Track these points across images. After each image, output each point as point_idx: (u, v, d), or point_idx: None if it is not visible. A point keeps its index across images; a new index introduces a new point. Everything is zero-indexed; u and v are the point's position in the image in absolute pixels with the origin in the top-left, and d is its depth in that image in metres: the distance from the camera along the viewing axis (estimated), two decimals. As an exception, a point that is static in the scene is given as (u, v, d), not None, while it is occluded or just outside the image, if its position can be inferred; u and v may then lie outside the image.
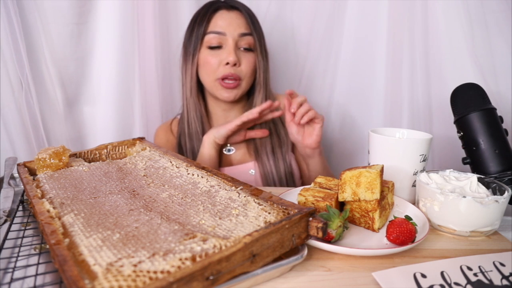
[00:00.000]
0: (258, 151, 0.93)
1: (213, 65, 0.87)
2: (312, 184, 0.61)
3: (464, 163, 0.67)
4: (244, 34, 0.87)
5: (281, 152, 0.93)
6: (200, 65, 0.89)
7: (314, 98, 1.13)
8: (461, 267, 0.44)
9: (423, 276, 0.42)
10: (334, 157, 1.18)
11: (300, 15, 1.10)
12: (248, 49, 0.89)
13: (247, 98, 0.99)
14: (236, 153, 0.96)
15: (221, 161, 0.95)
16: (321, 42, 1.09)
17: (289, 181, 0.93)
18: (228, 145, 0.95)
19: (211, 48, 0.87)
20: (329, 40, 1.09)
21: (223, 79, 0.87)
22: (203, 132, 0.93)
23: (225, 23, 0.86)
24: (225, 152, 0.95)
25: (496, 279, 0.42)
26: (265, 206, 0.46)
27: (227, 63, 0.86)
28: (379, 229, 0.54)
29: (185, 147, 0.94)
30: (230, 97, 0.90)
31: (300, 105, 0.79)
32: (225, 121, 0.94)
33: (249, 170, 0.92)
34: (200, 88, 0.96)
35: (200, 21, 0.88)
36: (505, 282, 0.41)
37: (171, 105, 1.13)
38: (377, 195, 0.52)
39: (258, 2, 1.06)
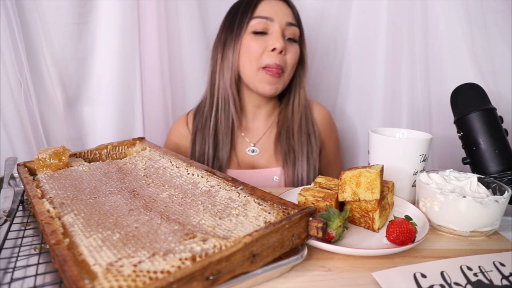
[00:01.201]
0: (287, 156, 0.88)
1: (257, 50, 0.82)
2: (312, 184, 0.61)
3: (464, 163, 0.67)
4: (291, 24, 0.84)
5: (312, 159, 0.88)
6: (243, 51, 0.84)
7: (321, 98, 1.13)
8: (461, 267, 0.44)
9: (423, 276, 0.42)
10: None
11: (309, 14, 1.10)
12: (292, 40, 0.85)
13: (278, 98, 0.94)
14: (260, 155, 0.91)
15: (241, 161, 0.91)
16: (328, 41, 1.09)
17: None
18: (252, 145, 0.91)
19: (256, 33, 0.83)
20: (335, 40, 1.09)
21: (267, 67, 0.82)
22: (234, 128, 0.89)
23: (273, 10, 0.83)
24: (248, 153, 0.91)
25: (496, 279, 0.42)
26: (265, 206, 0.46)
27: (273, 49, 0.81)
28: (379, 229, 0.54)
29: (203, 144, 0.89)
30: (272, 89, 0.84)
31: None
32: (256, 117, 0.92)
33: (273, 176, 0.88)
34: None
35: (245, 7, 0.84)
36: (505, 282, 0.41)
37: (172, 105, 1.13)
38: (377, 195, 0.52)
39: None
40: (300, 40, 0.87)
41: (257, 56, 0.82)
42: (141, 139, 0.79)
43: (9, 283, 0.39)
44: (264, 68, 0.83)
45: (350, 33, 1.08)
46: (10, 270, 0.41)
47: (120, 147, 0.75)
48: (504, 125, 0.65)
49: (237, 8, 0.87)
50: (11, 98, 0.90)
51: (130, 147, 0.76)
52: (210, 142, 0.89)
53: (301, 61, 0.89)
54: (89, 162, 0.70)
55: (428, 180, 0.58)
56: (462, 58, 0.94)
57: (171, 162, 0.64)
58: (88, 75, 1.01)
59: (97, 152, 0.73)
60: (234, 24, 0.85)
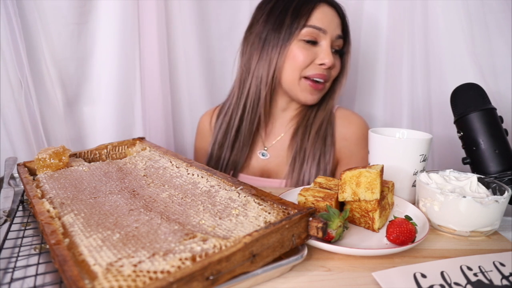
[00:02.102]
0: (295, 159, 0.84)
1: (305, 61, 0.79)
2: (312, 184, 0.61)
3: (464, 163, 0.67)
4: (340, 37, 0.82)
5: (323, 163, 0.84)
6: (288, 58, 0.80)
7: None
8: (461, 267, 0.44)
9: (423, 276, 0.42)
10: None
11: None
12: (337, 51, 0.84)
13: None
14: (270, 160, 0.89)
15: (252, 165, 0.89)
16: None
17: None
18: (265, 148, 0.89)
19: (306, 42, 0.79)
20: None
21: (312, 78, 0.80)
22: (255, 132, 0.87)
23: (327, 20, 0.79)
24: (259, 156, 0.89)
25: (496, 279, 0.42)
26: (265, 206, 0.46)
27: (322, 64, 0.79)
28: (379, 229, 0.54)
29: (223, 146, 0.88)
30: (314, 99, 0.83)
31: None
32: (277, 121, 0.89)
33: (281, 186, 0.86)
34: None
35: (298, 10, 0.79)
36: (505, 282, 0.41)
37: (172, 105, 1.13)
38: (377, 195, 0.52)
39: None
40: (343, 51, 0.85)
41: (303, 66, 0.80)
42: (141, 139, 0.79)
43: (9, 283, 0.39)
44: (307, 78, 0.80)
45: (350, 33, 1.08)
46: (10, 270, 0.41)
47: (120, 147, 0.75)
48: (504, 125, 0.65)
49: (286, 5, 0.80)
50: (11, 98, 0.90)
51: (130, 147, 0.76)
52: (229, 145, 0.87)
53: (341, 72, 0.86)
54: (89, 162, 0.70)
55: (428, 180, 0.58)
56: (462, 58, 0.94)
57: (171, 162, 0.64)
58: (88, 75, 1.01)
59: (97, 152, 0.73)
60: (282, 25, 0.79)
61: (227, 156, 0.88)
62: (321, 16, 0.79)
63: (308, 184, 0.85)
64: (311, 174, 0.84)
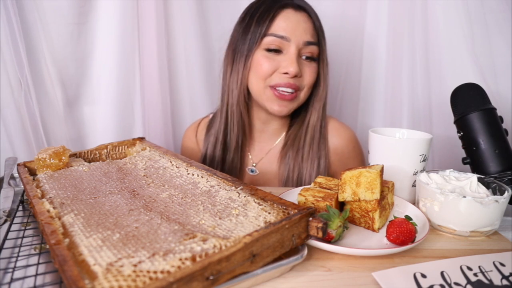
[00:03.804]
0: (288, 178, 0.81)
1: (268, 70, 0.75)
2: (312, 184, 0.61)
3: (464, 163, 0.67)
4: (309, 43, 0.76)
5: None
6: (252, 67, 0.77)
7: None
8: (461, 267, 0.44)
9: (423, 276, 0.42)
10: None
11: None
12: (310, 58, 0.78)
13: (290, 115, 0.86)
14: (259, 176, 0.87)
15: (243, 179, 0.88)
16: (329, 42, 1.09)
17: None
18: (254, 164, 0.86)
19: (269, 50, 0.76)
20: (337, 39, 1.09)
21: (276, 87, 0.76)
22: (242, 145, 0.85)
23: (291, 27, 0.74)
24: (248, 172, 0.87)
25: (496, 279, 0.42)
26: (265, 206, 0.46)
27: (285, 73, 0.75)
28: (379, 229, 0.54)
29: (212, 156, 0.85)
30: (283, 111, 0.78)
31: None
32: (261, 135, 0.86)
33: None
34: None
35: (261, 17, 0.75)
36: (505, 282, 0.41)
37: (171, 105, 1.13)
38: (377, 195, 0.52)
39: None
40: (320, 57, 0.80)
41: (266, 74, 0.76)
42: (141, 139, 0.79)
43: (9, 283, 0.39)
44: (272, 87, 0.76)
45: (351, 34, 1.08)
46: (10, 270, 0.41)
47: (120, 147, 0.75)
48: (504, 125, 0.65)
49: (252, 15, 0.77)
50: (11, 98, 0.90)
51: (130, 147, 0.76)
52: (219, 160, 0.85)
53: (324, 79, 0.81)
54: (89, 162, 0.70)
55: (428, 180, 0.58)
56: (462, 58, 0.94)
57: (171, 162, 0.64)
58: (88, 75, 1.01)
59: (97, 152, 0.73)
60: (247, 35, 0.77)
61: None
62: (284, 23, 0.75)
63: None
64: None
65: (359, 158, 0.88)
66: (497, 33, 0.91)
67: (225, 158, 0.85)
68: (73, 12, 0.94)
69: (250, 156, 0.88)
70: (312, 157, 0.82)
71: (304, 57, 0.77)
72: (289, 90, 0.76)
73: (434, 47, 0.97)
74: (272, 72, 0.76)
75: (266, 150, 0.88)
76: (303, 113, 0.84)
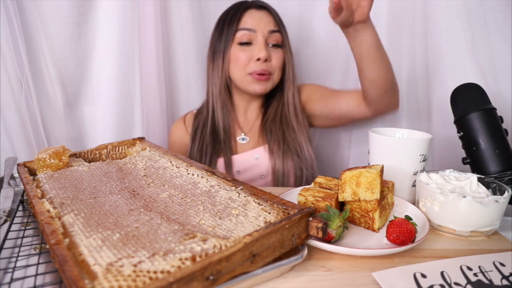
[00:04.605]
0: (272, 140, 0.96)
1: (244, 60, 0.91)
2: (312, 184, 0.61)
3: (464, 163, 0.67)
4: (273, 31, 0.92)
5: (306, 146, 0.96)
6: (231, 61, 0.93)
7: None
8: (461, 267, 0.44)
9: (423, 276, 0.42)
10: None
11: (312, 15, 1.10)
12: (276, 45, 0.93)
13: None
14: (249, 142, 0.99)
15: (236, 149, 0.98)
16: (331, 41, 1.09)
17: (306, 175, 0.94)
18: (243, 134, 0.99)
19: (242, 44, 0.91)
20: (337, 40, 1.09)
21: (254, 73, 0.91)
22: (230, 127, 0.98)
23: (255, 21, 0.91)
24: (239, 141, 0.99)
25: (496, 279, 0.42)
26: (265, 206, 0.46)
27: (258, 59, 0.90)
28: (379, 229, 0.54)
29: (202, 142, 0.96)
30: (261, 89, 0.93)
31: None
32: (247, 112, 1.01)
33: (254, 155, 0.95)
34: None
35: (231, 19, 0.92)
36: (505, 282, 0.41)
37: (171, 105, 1.13)
38: (377, 195, 0.52)
39: (284, 2, 1.07)
40: (283, 44, 0.95)
41: (244, 64, 0.91)
42: (141, 139, 0.79)
43: (9, 283, 0.39)
44: (251, 74, 0.91)
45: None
46: (10, 270, 0.41)
47: (120, 147, 0.75)
48: (504, 125, 0.65)
49: (224, 20, 0.94)
50: (11, 98, 0.90)
51: (130, 147, 0.76)
52: (209, 139, 0.96)
53: (289, 61, 0.96)
54: (89, 162, 0.70)
55: (428, 180, 0.59)
56: (462, 58, 0.94)
57: (171, 162, 0.64)
58: (88, 75, 1.01)
59: (97, 152, 0.73)
60: (222, 35, 0.93)
61: (209, 150, 0.96)
62: (250, 19, 0.91)
63: (296, 152, 0.94)
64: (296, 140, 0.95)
65: (314, 88, 1.03)
66: (497, 33, 0.91)
67: (215, 139, 0.97)
68: (73, 12, 0.94)
69: (239, 130, 1.01)
70: (300, 125, 0.97)
71: (270, 45, 0.93)
72: (264, 72, 0.92)
73: (434, 47, 0.97)
74: (248, 61, 0.91)
75: (253, 120, 1.02)
76: (279, 93, 1.00)
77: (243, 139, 0.99)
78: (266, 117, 0.99)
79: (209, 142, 0.97)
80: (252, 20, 0.91)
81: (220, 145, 0.96)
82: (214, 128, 0.98)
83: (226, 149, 0.96)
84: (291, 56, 0.97)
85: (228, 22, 0.92)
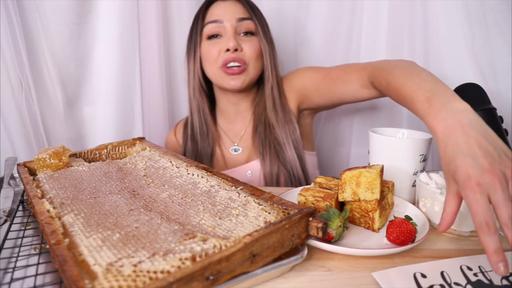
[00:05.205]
0: (265, 148, 0.88)
1: (214, 53, 0.84)
2: (312, 184, 0.61)
3: (464, 163, 0.66)
4: (242, 19, 0.85)
5: (296, 142, 0.88)
6: (202, 58, 0.88)
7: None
8: (461, 267, 0.44)
9: (423, 276, 0.42)
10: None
11: (312, 15, 1.10)
12: (249, 33, 0.86)
13: (256, 90, 0.94)
14: (243, 153, 0.93)
15: (228, 162, 0.93)
16: (331, 42, 1.09)
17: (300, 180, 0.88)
18: (235, 144, 0.93)
19: (210, 38, 0.86)
20: (337, 39, 1.09)
21: (226, 65, 0.83)
22: (208, 133, 0.91)
23: (221, 11, 0.85)
24: (232, 152, 0.93)
25: (496, 279, 0.42)
26: (265, 206, 0.46)
27: (227, 50, 0.83)
28: (379, 229, 0.54)
29: (188, 151, 0.92)
30: (237, 84, 0.85)
31: None
32: (236, 117, 0.94)
33: (246, 171, 0.89)
34: (209, 87, 0.94)
35: (197, 15, 0.88)
36: (505, 282, 0.41)
37: (171, 105, 1.13)
38: (377, 195, 0.52)
39: (282, 2, 1.07)
40: (257, 32, 0.86)
41: (214, 58, 0.85)
42: (141, 139, 0.79)
43: (9, 283, 0.39)
44: (222, 67, 0.84)
45: (351, 33, 1.08)
46: (10, 270, 0.41)
47: (120, 147, 0.76)
48: (504, 125, 0.65)
49: (193, 21, 0.90)
50: (12, 98, 0.90)
51: (130, 147, 0.76)
52: (196, 150, 0.92)
53: (265, 50, 0.87)
54: (89, 162, 0.70)
55: (428, 180, 0.58)
56: (462, 58, 0.94)
57: (171, 162, 0.64)
58: (88, 75, 1.01)
59: (97, 152, 0.73)
60: (191, 35, 0.89)
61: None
62: (216, 11, 0.86)
63: (293, 168, 0.87)
64: (290, 157, 0.86)
65: (307, 72, 0.92)
66: (497, 33, 0.91)
67: (197, 147, 0.91)
68: (73, 12, 0.94)
69: (229, 139, 0.95)
70: (283, 122, 0.89)
71: (242, 34, 0.86)
72: (236, 64, 0.83)
73: (434, 47, 0.97)
74: (218, 54, 0.84)
75: (243, 127, 0.95)
76: (261, 89, 0.92)
77: (235, 149, 0.92)
78: (256, 120, 0.92)
79: (194, 150, 0.92)
80: (219, 10, 0.85)
81: (203, 159, 0.90)
82: (197, 137, 0.91)
83: (206, 159, 0.90)
84: (269, 45, 0.87)
85: (195, 20, 0.88)
